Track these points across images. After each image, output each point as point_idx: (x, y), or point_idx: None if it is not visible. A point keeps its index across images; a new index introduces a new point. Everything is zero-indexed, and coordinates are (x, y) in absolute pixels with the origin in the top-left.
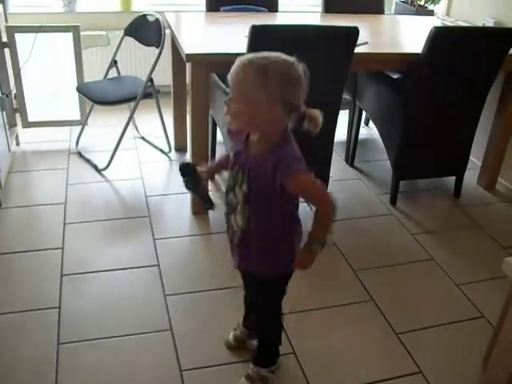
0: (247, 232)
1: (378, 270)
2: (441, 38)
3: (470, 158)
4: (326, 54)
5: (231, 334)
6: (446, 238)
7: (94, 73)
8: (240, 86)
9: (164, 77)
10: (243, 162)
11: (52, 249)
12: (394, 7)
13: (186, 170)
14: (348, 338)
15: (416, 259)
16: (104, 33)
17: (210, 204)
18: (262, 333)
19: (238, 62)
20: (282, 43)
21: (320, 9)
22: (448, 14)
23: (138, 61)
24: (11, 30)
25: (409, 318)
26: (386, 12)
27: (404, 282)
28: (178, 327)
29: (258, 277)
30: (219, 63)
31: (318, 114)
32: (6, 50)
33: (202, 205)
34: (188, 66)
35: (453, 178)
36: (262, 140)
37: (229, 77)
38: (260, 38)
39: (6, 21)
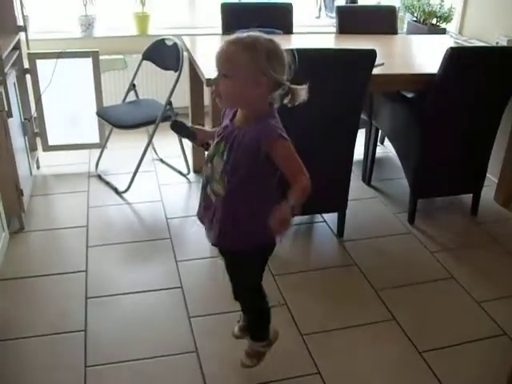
0: (224, 201)
1: (399, 289)
2: (457, 58)
3: (487, 174)
4: (344, 76)
5: (236, 326)
6: (465, 256)
7: (112, 96)
8: (228, 63)
9: (181, 99)
10: (228, 133)
11: (76, 272)
12: (405, 26)
13: (179, 129)
14: (372, 358)
15: (436, 277)
16: (121, 56)
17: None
18: (247, 310)
19: (224, 42)
20: (302, 65)
21: (334, 29)
22: (460, 32)
23: (155, 84)
24: (33, 57)
25: (431, 337)
26: (398, 32)
27: (425, 301)
28: (204, 349)
29: (236, 252)
30: None
31: (301, 90)
32: (27, 76)
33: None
34: (208, 90)
35: (469, 195)
36: (248, 114)
37: (216, 56)
38: None
39: (28, 47)
